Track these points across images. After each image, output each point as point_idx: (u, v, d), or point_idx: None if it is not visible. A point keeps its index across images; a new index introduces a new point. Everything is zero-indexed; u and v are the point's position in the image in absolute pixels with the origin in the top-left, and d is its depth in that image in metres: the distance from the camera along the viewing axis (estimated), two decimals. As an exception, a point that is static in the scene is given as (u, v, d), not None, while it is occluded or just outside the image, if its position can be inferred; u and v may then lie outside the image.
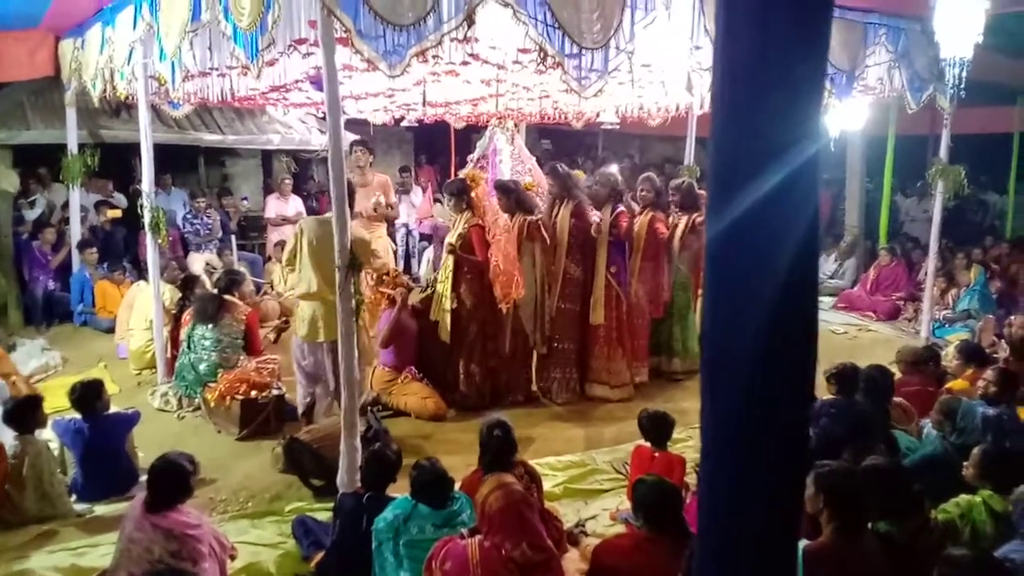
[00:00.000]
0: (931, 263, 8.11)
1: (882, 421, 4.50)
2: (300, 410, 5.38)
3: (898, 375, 5.35)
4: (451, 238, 5.98)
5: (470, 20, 4.19)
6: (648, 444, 4.38)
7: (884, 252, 10.04)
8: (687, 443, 5.07)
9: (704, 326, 1.48)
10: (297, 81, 6.28)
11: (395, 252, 9.62)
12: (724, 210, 1.33)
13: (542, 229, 5.97)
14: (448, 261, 5.90)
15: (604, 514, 4.40)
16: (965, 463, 3.74)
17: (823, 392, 4.76)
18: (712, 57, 1.45)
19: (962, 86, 5.50)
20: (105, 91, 6.79)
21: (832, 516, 3.02)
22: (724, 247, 1.37)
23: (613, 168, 7.48)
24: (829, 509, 3.02)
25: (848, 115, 6.70)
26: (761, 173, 1.28)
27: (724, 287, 1.39)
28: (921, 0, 5.36)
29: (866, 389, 4.63)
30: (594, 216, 6.09)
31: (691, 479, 4.30)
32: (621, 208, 6.13)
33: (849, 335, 8.43)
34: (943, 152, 7.63)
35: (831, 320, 8.97)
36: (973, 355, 5.72)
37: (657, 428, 4.36)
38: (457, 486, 3.67)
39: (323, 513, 4.17)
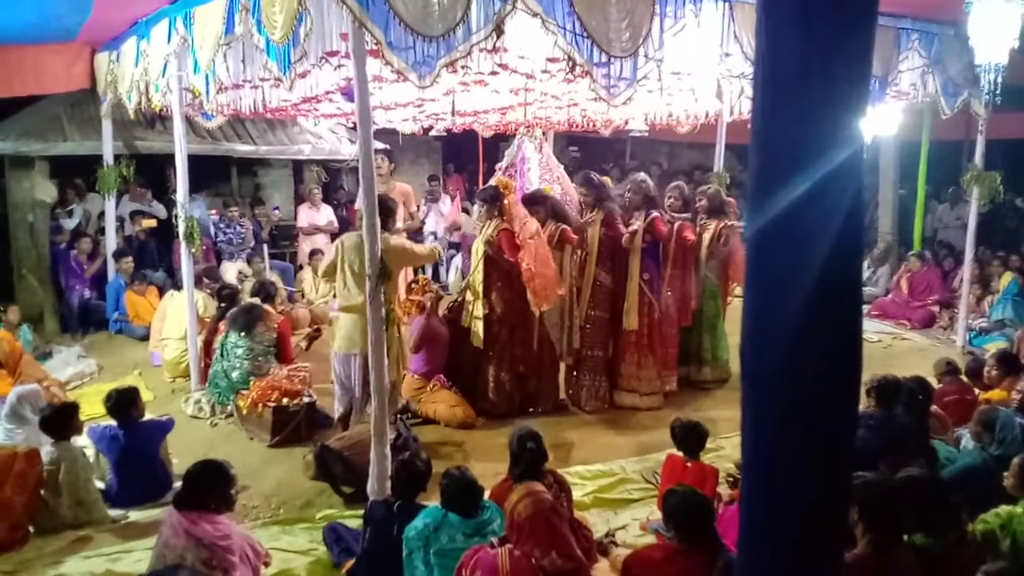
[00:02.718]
0: (967, 270, 7.98)
1: (921, 433, 4.42)
2: (336, 417, 5.42)
3: (936, 384, 5.27)
4: (479, 243, 5.98)
5: (499, 30, 4.22)
6: (680, 454, 4.34)
7: (913, 258, 9.85)
8: (719, 453, 5.03)
9: (743, 337, 1.44)
10: (328, 92, 6.35)
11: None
12: (764, 216, 1.30)
13: (569, 232, 5.96)
14: (479, 268, 5.90)
15: (634, 524, 4.36)
16: (1006, 473, 3.67)
17: (861, 403, 4.69)
18: (754, 62, 1.43)
19: (998, 91, 5.41)
20: (140, 103, 6.90)
21: (866, 528, 2.96)
22: (764, 254, 1.34)
23: (643, 175, 7.44)
24: (863, 521, 2.96)
25: (881, 120, 6.64)
26: (803, 178, 1.25)
27: (763, 297, 1.35)
28: (955, 5, 5.29)
29: (906, 402, 4.54)
30: (627, 225, 6.05)
31: (723, 490, 4.27)
32: (656, 213, 6.10)
33: (883, 343, 8.30)
34: (978, 158, 7.52)
35: (865, 328, 8.74)
36: (1012, 365, 5.61)
37: (690, 438, 4.31)
38: (487, 495, 3.67)
39: (354, 520, 4.19)
